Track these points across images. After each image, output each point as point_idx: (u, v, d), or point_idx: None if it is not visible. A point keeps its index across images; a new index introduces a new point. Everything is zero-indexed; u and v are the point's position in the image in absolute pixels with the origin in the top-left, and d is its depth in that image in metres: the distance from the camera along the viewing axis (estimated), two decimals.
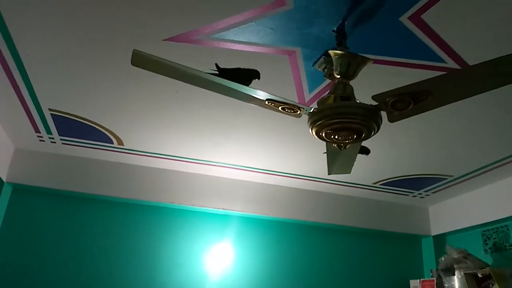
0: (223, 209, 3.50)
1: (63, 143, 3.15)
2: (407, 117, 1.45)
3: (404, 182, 3.52)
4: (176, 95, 2.35)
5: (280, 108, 1.49)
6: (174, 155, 3.23)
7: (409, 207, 4.07)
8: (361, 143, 1.79)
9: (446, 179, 3.37)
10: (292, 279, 3.60)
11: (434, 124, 2.49)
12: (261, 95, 1.43)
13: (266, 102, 1.47)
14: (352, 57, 1.56)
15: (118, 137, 2.97)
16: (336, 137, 1.54)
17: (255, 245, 3.61)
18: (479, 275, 2.91)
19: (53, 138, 3.08)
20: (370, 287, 3.80)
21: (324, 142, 1.66)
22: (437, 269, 3.46)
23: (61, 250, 3.19)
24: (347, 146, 1.75)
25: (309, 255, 3.74)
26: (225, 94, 1.48)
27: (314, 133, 1.56)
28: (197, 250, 3.44)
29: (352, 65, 1.58)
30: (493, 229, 3.53)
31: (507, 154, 2.84)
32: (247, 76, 1.60)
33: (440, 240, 4.02)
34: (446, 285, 3.25)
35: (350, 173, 2.20)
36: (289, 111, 1.50)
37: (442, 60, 1.87)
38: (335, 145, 1.74)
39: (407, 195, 3.82)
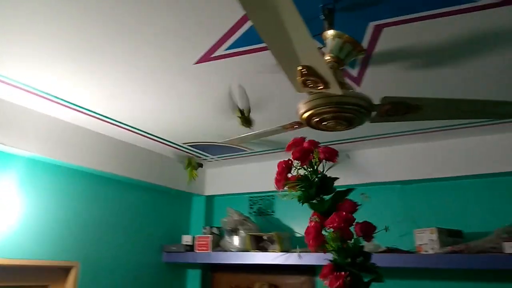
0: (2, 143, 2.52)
1: None
2: (384, 121, 1.54)
3: (209, 147, 3.58)
4: None
5: (307, 79, 1.25)
6: None
7: None
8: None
9: (246, 151, 3.67)
10: (67, 232, 3.04)
11: None
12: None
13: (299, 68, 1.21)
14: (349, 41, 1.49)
15: None
16: (324, 123, 1.46)
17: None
18: (265, 237, 3.39)
19: None
20: (144, 240, 3.74)
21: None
22: (219, 228, 3.79)
23: None
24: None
25: (93, 207, 3.26)
26: None
27: (307, 115, 1.43)
28: None
29: (343, 50, 1.52)
30: (259, 197, 4.16)
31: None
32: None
33: (210, 201, 4.37)
34: (228, 242, 3.60)
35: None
36: (309, 83, 1.28)
37: None
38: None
39: (200, 157, 3.92)
